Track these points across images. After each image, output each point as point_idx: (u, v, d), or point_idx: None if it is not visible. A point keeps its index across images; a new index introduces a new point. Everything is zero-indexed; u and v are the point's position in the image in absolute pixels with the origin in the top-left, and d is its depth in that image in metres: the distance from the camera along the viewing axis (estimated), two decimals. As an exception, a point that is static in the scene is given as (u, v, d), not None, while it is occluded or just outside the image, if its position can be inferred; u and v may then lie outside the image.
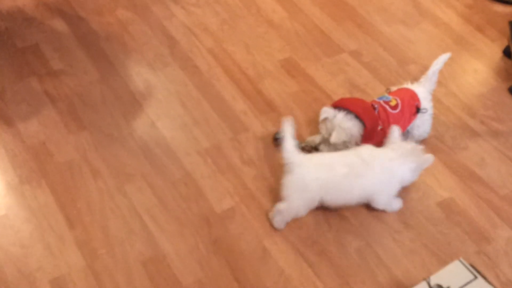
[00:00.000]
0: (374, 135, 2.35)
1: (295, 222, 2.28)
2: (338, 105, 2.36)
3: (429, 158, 2.22)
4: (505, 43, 3.00)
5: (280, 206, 2.22)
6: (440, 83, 2.81)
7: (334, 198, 2.23)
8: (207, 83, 2.80)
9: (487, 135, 2.60)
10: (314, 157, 2.24)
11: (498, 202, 2.36)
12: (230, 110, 2.69)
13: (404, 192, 2.38)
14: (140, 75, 2.83)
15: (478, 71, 2.90)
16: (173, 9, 3.18)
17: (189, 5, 3.21)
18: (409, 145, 2.24)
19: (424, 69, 2.85)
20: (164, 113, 2.67)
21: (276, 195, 2.36)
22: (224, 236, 2.25)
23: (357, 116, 2.30)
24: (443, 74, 2.85)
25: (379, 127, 2.37)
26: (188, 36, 3.03)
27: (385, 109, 2.39)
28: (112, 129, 2.60)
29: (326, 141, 2.39)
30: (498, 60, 2.95)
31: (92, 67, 2.86)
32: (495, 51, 3.00)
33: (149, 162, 2.47)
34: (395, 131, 2.27)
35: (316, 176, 2.16)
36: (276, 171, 2.44)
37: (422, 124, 2.49)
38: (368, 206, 2.34)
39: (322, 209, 2.32)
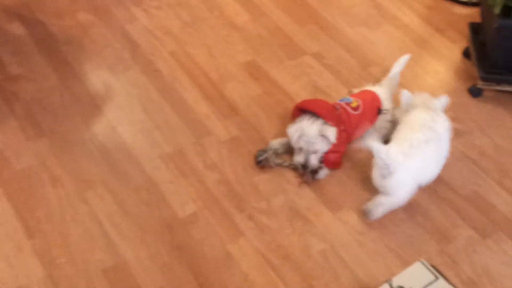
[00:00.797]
0: (337, 136, 2.37)
1: (258, 226, 2.27)
2: (302, 108, 2.37)
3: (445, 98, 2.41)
4: (465, 44, 3.04)
5: (382, 199, 2.26)
6: (401, 84, 2.83)
7: (429, 176, 2.33)
8: (169, 87, 2.78)
9: (448, 135, 2.62)
10: (403, 147, 2.24)
11: (459, 202, 2.38)
12: (193, 113, 2.67)
13: (366, 193, 2.39)
14: (100, 79, 2.79)
15: (438, 72, 2.93)
16: (135, 12, 3.14)
17: (151, 8, 3.18)
18: (425, 97, 2.42)
19: (386, 70, 2.88)
20: (125, 118, 2.63)
21: (239, 200, 2.35)
22: (187, 241, 2.22)
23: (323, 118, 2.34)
24: (404, 76, 2.87)
25: (340, 128, 2.39)
26: (149, 39, 3.00)
27: (346, 111, 2.40)
28: (72, 135, 2.55)
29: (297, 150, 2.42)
30: (458, 61, 2.99)
31: (51, 72, 2.81)
32: (455, 53, 3.03)
33: (110, 168, 2.44)
34: (404, 95, 2.40)
35: (415, 166, 2.21)
36: (239, 175, 2.43)
37: (384, 125, 2.51)
38: (332, 209, 2.34)
39: (285, 211, 2.32)
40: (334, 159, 2.44)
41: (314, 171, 2.39)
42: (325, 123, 2.35)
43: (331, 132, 2.33)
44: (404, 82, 2.85)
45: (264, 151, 2.46)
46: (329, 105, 2.43)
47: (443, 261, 2.19)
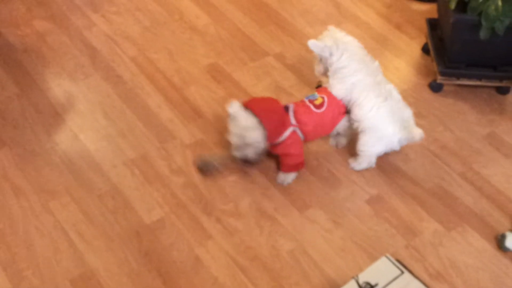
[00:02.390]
0: (277, 136, 2.32)
1: (226, 228, 2.27)
2: (246, 105, 2.31)
3: None
4: (423, 40, 3.08)
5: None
6: (363, 82, 2.86)
7: None
8: (131, 93, 2.75)
9: (410, 131, 2.66)
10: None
11: (423, 195, 2.41)
12: (156, 118, 2.65)
13: (333, 191, 2.41)
14: (60, 87, 2.75)
15: (399, 68, 2.96)
16: (93, 18, 3.11)
17: (110, 13, 3.15)
18: None
19: (347, 69, 2.90)
20: (87, 125, 2.60)
21: (206, 203, 2.34)
22: (155, 247, 2.20)
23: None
24: (366, 73, 2.90)
25: (291, 129, 2.34)
26: (109, 45, 2.97)
27: (306, 110, 2.38)
28: (33, 144, 2.51)
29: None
30: (417, 57, 3.03)
31: (9, 81, 2.76)
32: (414, 48, 3.07)
33: (73, 176, 2.40)
34: None
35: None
36: (205, 178, 2.42)
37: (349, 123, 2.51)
38: (299, 208, 2.35)
39: (253, 213, 2.32)
40: (292, 162, 2.40)
41: (248, 161, 2.35)
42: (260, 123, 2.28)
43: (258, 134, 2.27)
44: (366, 79, 2.87)
45: (203, 157, 2.45)
46: (273, 105, 2.35)
47: (410, 255, 2.22)
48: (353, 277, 1.81)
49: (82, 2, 3.20)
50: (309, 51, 2.99)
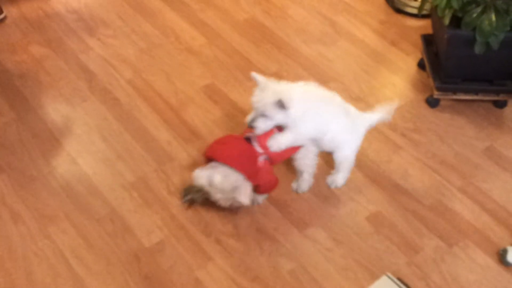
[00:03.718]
0: (256, 170, 2.23)
1: (226, 249, 2.25)
2: (210, 157, 2.20)
3: None
4: (419, 56, 3.09)
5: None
6: (359, 98, 2.86)
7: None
8: (128, 115, 2.75)
9: (409, 147, 2.65)
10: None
11: (423, 212, 2.40)
12: (154, 141, 2.64)
13: (332, 209, 2.40)
14: (57, 111, 2.75)
15: (395, 84, 2.97)
16: (89, 42, 3.12)
17: (105, 37, 3.16)
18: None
19: (344, 86, 2.91)
20: (85, 149, 2.59)
21: (206, 224, 2.33)
22: (155, 270, 2.19)
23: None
24: (362, 90, 2.91)
25: (262, 158, 2.24)
26: (106, 69, 2.98)
27: (271, 132, 2.24)
28: (31, 169, 2.50)
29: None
30: (413, 73, 3.03)
31: (6, 107, 2.76)
32: (410, 64, 3.08)
33: (72, 201, 2.39)
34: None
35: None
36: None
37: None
38: (299, 227, 2.33)
39: (253, 233, 2.30)
40: (269, 186, 2.33)
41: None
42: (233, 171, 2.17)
43: (243, 192, 2.17)
44: (362, 96, 2.88)
45: (188, 190, 2.41)
46: (238, 147, 2.21)
47: (412, 272, 2.20)
48: (354, 297, 1.80)
49: (78, 26, 3.22)
50: (306, 68, 3.02)
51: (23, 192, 2.42)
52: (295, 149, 2.32)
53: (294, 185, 2.48)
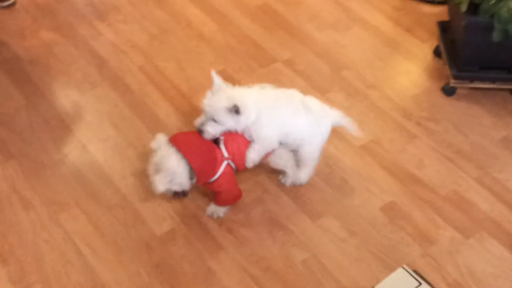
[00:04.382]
0: (210, 170, 2.15)
1: (238, 238, 2.22)
2: (173, 142, 2.13)
3: None
4: (435, 43, 3.03)
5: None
6: (373, 86, 2.82)
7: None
8: (139, 102, 2.72)
9: (424, 136, 2.61)
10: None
11: (439, 202, 2.36)
12: (165, 128, 2.61)
13: (346, 199, 2.36)
14: (68, 97, 2.72)
15: (410, 72, 2.92)
16: (100, 28, 3.08)
17: (116, 22, 3.12)
18: None
19: (357, 73, 2.87)
20: (96, 136, 2.57)
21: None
22: (166, 259, 2.16)
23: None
24: (376, 78, 2.86)
25: (225, 163, 2.16)
26: (116, 55, 2.94)
27: (237, 139, 2.19)
28: (41, 156, 2.48)
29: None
30: (429, 61, 2.98)
31: (17, 93, 2.73)
32: (426, 52, 3.02)
33: (82, 188, 2.37)
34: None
35: None
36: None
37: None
38: (312, 217, 2.30)
39: (265, 222, 2.28)
40: (230, 196, 2.26)
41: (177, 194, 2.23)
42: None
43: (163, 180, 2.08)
44: (377, 84, 2.83)
45: None
46: (201, 143, 2.14)
47: (427, 263, 2.17)
48: (370, 289, 1.77)
49: (88, 11, 3.18)
50: (319, 56, 2.98)
51: (34, 179, 2.40)
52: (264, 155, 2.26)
53: (282, 179, 2.42)
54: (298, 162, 2.35)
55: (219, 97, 2.11)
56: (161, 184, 2.07)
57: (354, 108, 2.72)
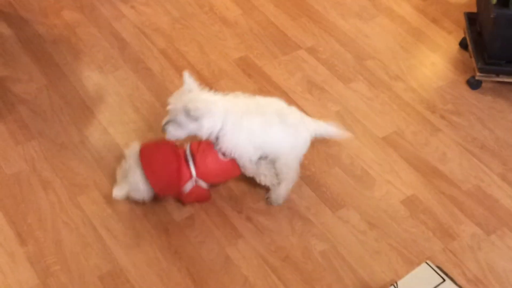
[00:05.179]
0: (173, 189, 2.15)
1: (257, 227, 2.21)
2: (140, 155, 2.11)
3: None
4: (461, 35, 2.98)
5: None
6: (397, 77, 2.78)
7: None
8: (161, 86, 2.70)
9: (448, 129, 2.57)
10: None
11: (461, 197, 2.33)
12: (186, 113, 2.60)
13: (366, 190, 2.34)
14: (90, 79, 2.71)
15: (435, 64, 2.88)
16: (122, 9, 3.06)
17: (139, 5, 3.10)
18: None
19: (381, 63, 2.83)
20: (117, 119, 2.56)
21: (236, 201, 2.29)
22: (184, 245, 2.16)
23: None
24: (400, 68, 2.82)
25: (191, 183, 2.15)
26: (139, 37, 2.92)
27: (213, 156, 2.15)
28: (62, 137, 2.48)
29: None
30: (455, 53, 2.93)
31: (38, 73, 2.72)
32: (451, 43, 2.98)
33: (102, 171, 2.36)
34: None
35: None
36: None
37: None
38: (332, 207, 2.28)
39: (284, 212, 2.26)
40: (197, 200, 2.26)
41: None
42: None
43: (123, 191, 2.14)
44: (401, 75, 2.79)
45: None
46: (167, 159, 2.11)
47: (448, 258, 2.14)
48: (392, 284, 1.75)
49: (112, -8, 3.17)
50: (343, 44, 2.94)
51: (54, 160, 2.40)
52: (234, 172, 2.20)
53: (266, 195, 2.30)
54: (277, 176, 2.23)
55: (182, 98, 2.04)
56: (120, 192, 2.16)
57: (377, 99, 2.69)
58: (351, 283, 2.08)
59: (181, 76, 2.73)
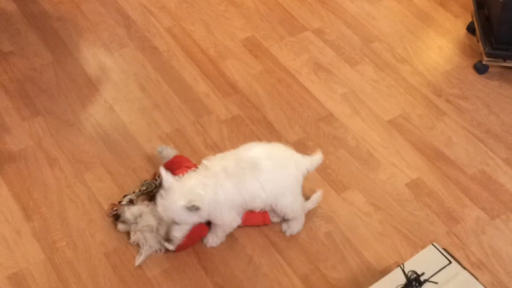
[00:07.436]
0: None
1: (262, 207, 2.22)
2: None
3: None
4: (469, 19, 2.97)
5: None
6: (404, 60, 2.78)
7: None
8: (167, 65, 2.69)
9: (454, 113, 2.57)
10: None
11: (466, 181, 2.34)
12: (192, 92, 2.59)
13: (371, 173, 2.35)
14: (95, 56, 2.71)
15: (442, 48, 2.87)
16: (129, -13, 3.04)
17: (146, -17, 3.08)
18: None
19: (388, 46, 2.82)
20: (122, 97, 2.56)
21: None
22: (189, 224, 2.17)
23: None
24: (407, 52, 2.82)
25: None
26: (145, 15, 2.91)
27: None
28: (68, 114, 2.48)
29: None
30: (462, 37, 2.93)
31: (44, 49, 2.72)
32: (459, 27, 2.97)
33: (108, 148, 2.37)
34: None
35: None
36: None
37: None
38: (337, 189, 2.29)
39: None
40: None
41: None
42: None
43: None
44: (408, 58, 2.78)
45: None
46: None
47: (451, 242, 2.16)
48: (398, 265, 1.75)
49: (118, -31, 3.14)
50: (350, 26, 2.93)
51: (60, 137, 2.40)
52: (202, 232, 2.10)
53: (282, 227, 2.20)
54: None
55: (172, 196, 1.89)
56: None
57: (383, 81, 2.68)
58: (355, 264, 2.09)
59: (187, 55, 2.73)
